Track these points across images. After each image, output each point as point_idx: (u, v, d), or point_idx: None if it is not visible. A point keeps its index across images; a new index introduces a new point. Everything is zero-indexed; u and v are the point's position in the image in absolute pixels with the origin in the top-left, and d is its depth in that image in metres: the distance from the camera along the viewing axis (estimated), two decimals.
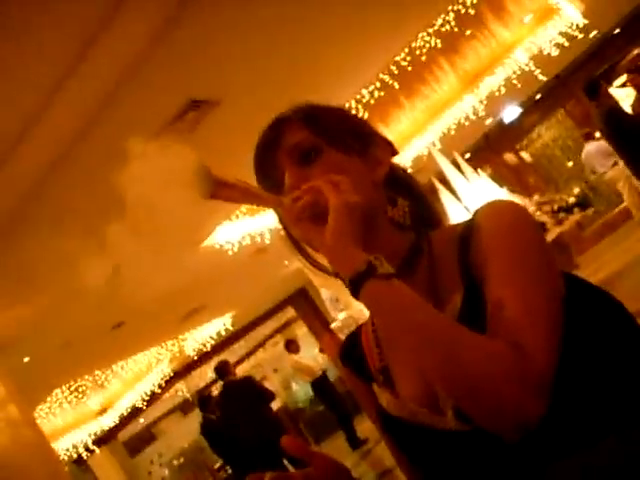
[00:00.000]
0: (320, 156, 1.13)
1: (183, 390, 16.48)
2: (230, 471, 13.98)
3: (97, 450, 14.03)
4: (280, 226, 1.24)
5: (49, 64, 3.89)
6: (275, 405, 9.88)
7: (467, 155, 12.70)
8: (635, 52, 11.73)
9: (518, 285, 0.95)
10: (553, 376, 0.88)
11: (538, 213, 8.68)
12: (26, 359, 7.76)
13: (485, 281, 0.99)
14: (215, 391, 9.26)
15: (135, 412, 14.68)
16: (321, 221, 1.03)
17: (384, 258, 1.05)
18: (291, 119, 1.17)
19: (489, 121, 12.28)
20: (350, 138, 1.17)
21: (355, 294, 0.96)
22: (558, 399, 0.88)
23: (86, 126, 4.60)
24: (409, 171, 1.30)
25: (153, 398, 14.38)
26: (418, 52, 7.68)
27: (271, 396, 8.25)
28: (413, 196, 1.26)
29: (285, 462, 7.99)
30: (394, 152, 1.25)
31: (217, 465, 15.56)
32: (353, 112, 1.33)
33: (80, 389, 11.19)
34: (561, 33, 9.39)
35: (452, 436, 1.02)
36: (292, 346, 11.49)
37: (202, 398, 9.34)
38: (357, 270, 0.96)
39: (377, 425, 1.26)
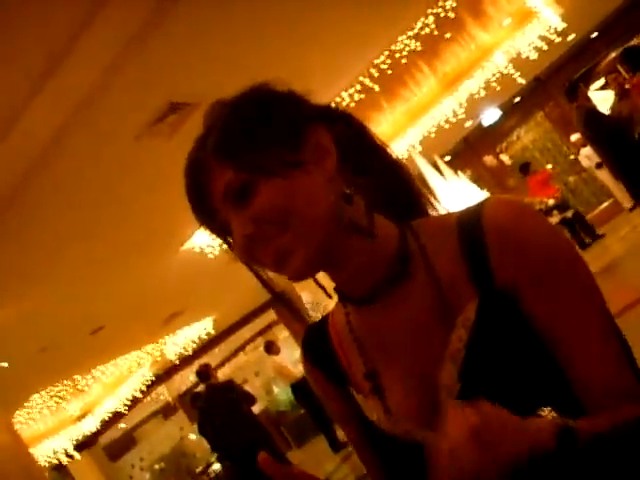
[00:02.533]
0: (256, 190, 0.98)
1: (164, 394, 16.39)
2: (212, 475, 13.95)
3: (77, 455, 13.92)
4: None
5: (26, 67, 3.86)
6: (257, 408, 9.86)
7: (447, 158, 12.75)
8: (613, 55, 11.83)
9: (606, 343, 0.96)
10: None
11: None
12: (4, 364, 7.68)
13: (550, 308, 0.96)
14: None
15: (116, 417, 14.57)
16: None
17: (365, 270, 1.04)
18: (210, 155, 1.02)
19: (469, 124, 12.34)
20: (281, 153, 1.00)
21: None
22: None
23: (64, 130, 4.56)
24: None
25: (134, 402, 14.29)
26: (398, 55, 7.70)
27: (252, 400, 8.23)
28: (383, 165, 1.13)
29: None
30: (339, 115, 1.11)
31: (199, 469, 15.51)
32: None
33: (60, 394, 11.10)
34: (540, 36, 9.45)
35: None
36: (272, 347, 11.46)
37: (193, 395, 9.34)
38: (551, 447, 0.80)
39: (345, 428, 1.20)
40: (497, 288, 0.97)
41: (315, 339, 1.21)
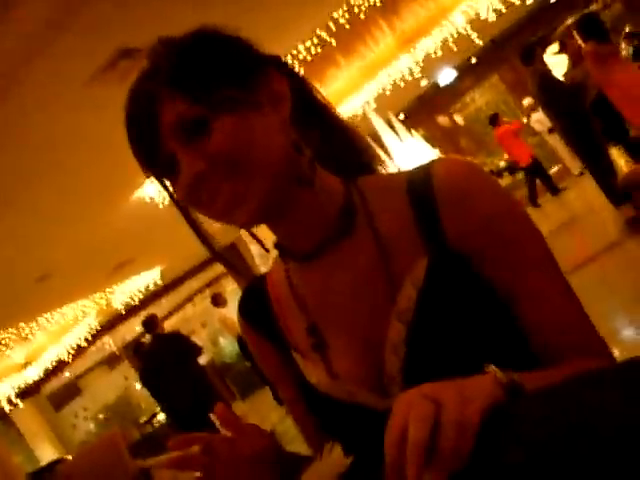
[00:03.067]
0: (208, 126, 0.94)
1: (110, 344, 16.32)
2: (157, 425, 14.01)
3: (20, 404, 13.83)
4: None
5: None
6: (203, 360, 9.88)
7: (401, 116, 12.76)
8: (570, 20, 11.87)
9: (555, 284, 0.97)
10: None
11: None
12: None
13: (497, 261, 0.96)
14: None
15: (60, 365, 14.49)
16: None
17: (309, 225, 1.02)
18: (161, 85, 0.96)
19: (424, 83, 12.35)
20: (236, 90, 0.96)
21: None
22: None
23: (13, 75, 4.44)
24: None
25: (79, 351, 14.21)
26: (357, 10, 7.63)
27: (198, 350, 8.24)
28: (329, 123, 1.09)
29: (212, 417, 8.03)
30: (285, 67, 1.06)
31: (143, 419, 15.55)
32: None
33: (3, 342, 10.97)
34: None
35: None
36: (219, 300, 11.47)
37: (136, 345, 9.31)
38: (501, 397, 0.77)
39: (282, 390, 1.18)
40: (448, 246, 0.97)
41: (252, 298, 1.19)
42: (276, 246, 1.10)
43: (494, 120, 12.36)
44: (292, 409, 1.18)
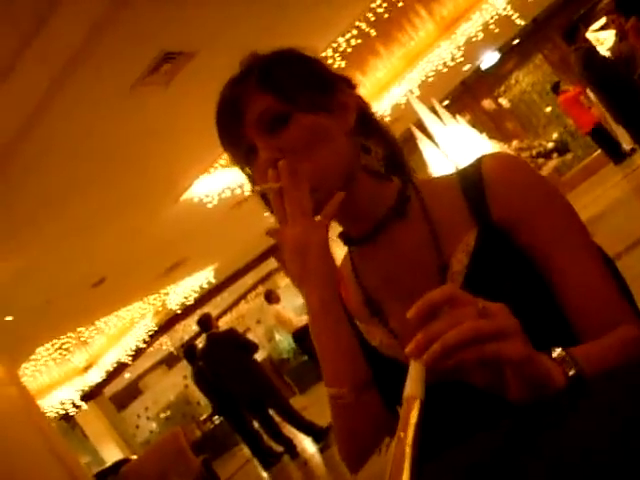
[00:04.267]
0: (288, 121, 1.09)
1: (167, 344, 16.54)
2: (217, 422, 14.16)
3: (84, 406, 14.12)
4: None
5: (17, 19, 3.80)
6: (259, 356, 9.95)
7: (445, 102, 12.65)
8: None
9: (587, 258, 1.06)
10: None
11: None
12: (8, 318, 7.75)
13: (539, 240, 1.07)
14: (199, 344, 9.29)
15: (120, 367, 14.75)
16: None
17: (370, 210, 1.16)
18: (250, 83, 1.12)
19: (467, 67, 12.22)
20: (316, 94, 1.13)
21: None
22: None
23: (59, 81, 4.52)
24: (387, 119, 1.27)
25: (138, 353, 14.44)
26: None
27: (254, 347, 8.29)
28: (384, 139, 1.24)
29: (270, 412, 8.09)
30: (354, 86, 1.22)
31: (203, 417, 15.73)
32: (330, 62, 1.26)
33: (64, 346, 11.21)
34: None
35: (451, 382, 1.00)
36: (272, 296, 11.51)
37: (188, 349, 9.36)
38: (563, 386, 0.83)
39: None
40: (493, 222, 1.09)
41: None
42: (340, 235, 1.23)
43: (556, 88, 12.11)
44: None
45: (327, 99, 1.14)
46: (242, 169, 1.19)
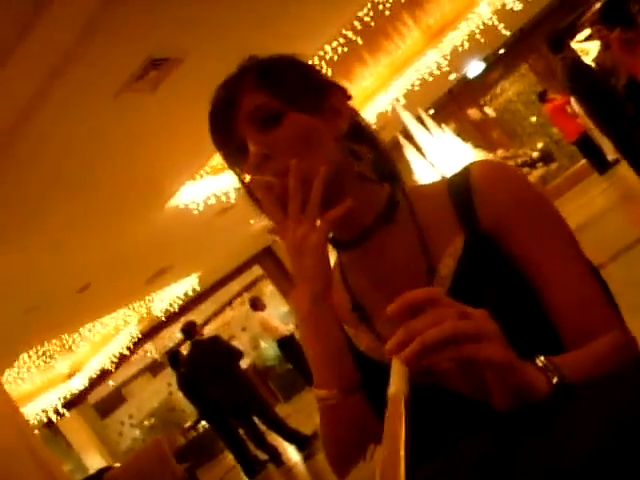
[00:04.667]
0: (282, 119, 1.11)
1: (152, 351, 16.48)
2: (201, 429, 14.11)
3: (67, 413, 14.03)
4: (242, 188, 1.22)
5: (1, 25, 3.79)
6: (244, 364, 9.94)
7: (431, 111, 12.70)
8: (598, 5, 11.73)
9: (574, 266, 1.07)
10: None
11: None
12: None
13: (525, 246, 1.07)
14: (184, 351, 9.27)
15: (104, 374, 14.67)
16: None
17: (359, 215, 1.15)
18: (246, 81, 1.13)
19: (453, 76, 12.28)
20: (310, 95, 1.15)
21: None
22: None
23: (43, 87, 4.50)
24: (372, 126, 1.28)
25: (122, 360, 14.37)
26: (381, 7, 7.61)
27: (239, 355, 8.28)
28: (375, 146, 1.25)
29: (255, 419, 8.07)
30: (349, 97, 1.23)
31: (188, 424, 15.67)
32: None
33: (48, 353, 11.13)
34: None
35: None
36: (257, 303, 11.50)
37: (172, 355, 9.33)
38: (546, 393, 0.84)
39: None
40: (480, 228, 1.10)
41: None
42: (329, 240, 1.21)
43: (542, 96, 12.17)
44: None
45: (321, 103, 1.15)
46: (232, 167, 1.19)
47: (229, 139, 1.14)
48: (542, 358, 0.85)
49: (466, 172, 1.15)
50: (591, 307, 1.04)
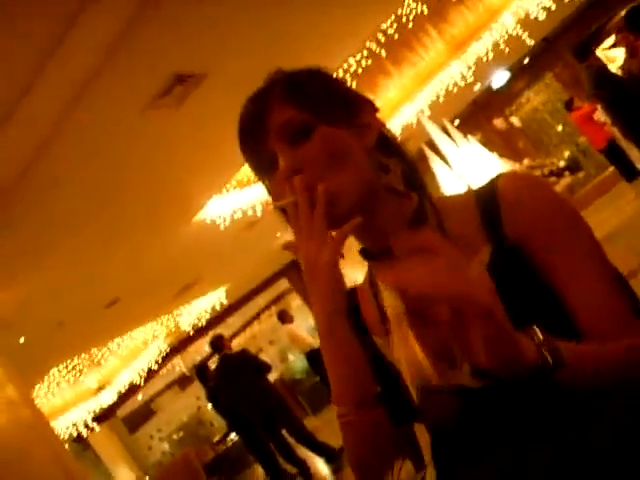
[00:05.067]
0: (311, 133, 1.10)
1: (180, 365, 16.53)
2: (230, 443, 14.11)
3: (97, 427, 14.10)
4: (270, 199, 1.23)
5: (28, 46, 3.84)
6: (272, 377, 9.93)
7: (456, 122, 12.66)
8: (623, 12, 11.64)
9: (598, 273, 1.06)
10: None
11: None
12: (22, 340, 7.77)
13: (551, 256, 1.06)
14: (212, 365, 9.28)
15: (133, 389, 14.74)
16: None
17: (389, 226, 1.15)
18: (275, 94, 1.13)
19: (477, 87, 12.23)
20: (339, 108, 1.15)
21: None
22: None
23: (70, 105, 4.55)
24: (398, 139, 1.29)
25: (150, 374, 14.43)
26: (404, 19, 7.62)
27: (267, 368, 8.28)
28: (403, 159, 1.25)
29: (284, 432, 8.05)
30: (376, 110, 1.23)
31: (217, 438, 15.68)
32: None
33: (77, 368, 11.22)
34: None
35: (462, 393, 1.02)
36: (285, 316, 11.50)
37: (199, 369, 9.35)
38: (529, 369, 0.88)
39: None
40: (507, 239, 1.09)
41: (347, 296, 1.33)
42: (360, 251, 1.23)
43: (569, 105, 12.06)
44: None
45: (350, 116, 1.15)
46: (262, 181, 1.20)
47: (259, 153, 1.14)
48: (539, 332, 0.89)
49: (493, 184, 1.14)
50: (613, 314, 1.04)
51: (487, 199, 1.13)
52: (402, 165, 1.23)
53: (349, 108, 1.17)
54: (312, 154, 1.09)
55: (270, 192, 1.19)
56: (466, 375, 1.02)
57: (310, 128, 1.10)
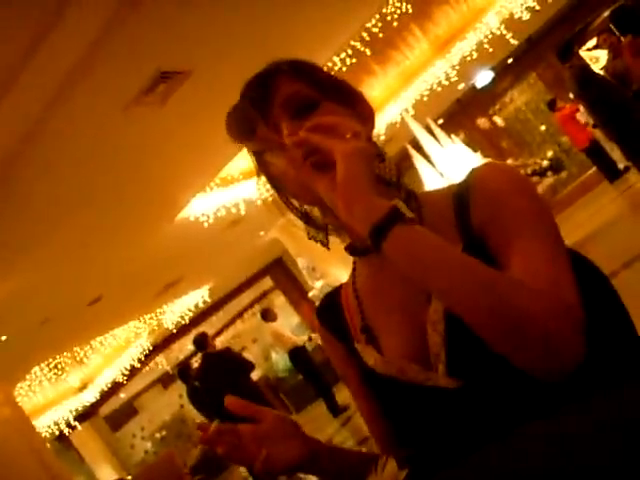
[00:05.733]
0: (316, 109, 1.10)
1: (163, 363, 16.48)
2: None
3: (79, 426, 14.03)
4: (260, 189, 1.23)
5: (11, 41, 3.81)
6: (255, 375, 9.92)
7: (440, 121, 12.69)
8: (606, 13, 11.71)
9: (542, 242, 0.98)
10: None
11: None
12: (3, 338, 7.71)
13: (499, 236, 1.01)
14: (195, 363, 9.26)
15: (115, 387, 14.68)
16: (325, 170, 1.00)
17: None
18: (282, 71, 1.13)
19: (461, 86, 12.28)
20: (343, 92, 1.17)
21: (378, 241, 0.92)
22: None
23: (54, 102, 4.53)
24: (382, 138, 1.28)
25: (133, 372, 14.38)
26: (389, 18, 7.63)
27: (251, 366, 8.27)
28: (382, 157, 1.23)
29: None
30: (373, 119, 1.23)
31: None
32: None
33: (59, 366, 11.16)
34: None
35: (440, 393, 1.03)
36: (269, 314, 11.47)
37: (182, 369, 9.32)
38: (381, 216, 0.92)
39: (350, 385, 1.28)
40: (474, 233, 1.05)
41: (327, 303, 1.32)
42: (346, 248, 1.21)
43: (552, 105, 12.13)
44: (358, 403, 1.29)
45: (353, 103, 1.18)
46: (254, 154, 1.18)
47: (260, 123, 1.10)
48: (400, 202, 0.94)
49: (468, 176, 1.12)
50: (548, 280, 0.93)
51: (461, 193, 1.11)
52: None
53: (352, 96, 1.19)
54: (315, 124, 1.06)
55: (260, 168, 1.18)
56: (442, 376, 1.02)
57: (316, 103, 1.11)
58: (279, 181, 1.16)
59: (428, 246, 0.91)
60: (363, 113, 1.19)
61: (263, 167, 1.18)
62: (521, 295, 0.86)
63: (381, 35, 7.80)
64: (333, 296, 1.32)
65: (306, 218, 1.19)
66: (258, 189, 1.23)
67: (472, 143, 12.33)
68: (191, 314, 13.83)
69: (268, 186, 1.21)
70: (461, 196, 1.10)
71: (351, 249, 1.21)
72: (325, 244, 1.20)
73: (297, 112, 1.10)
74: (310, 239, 1.20)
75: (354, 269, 1.27)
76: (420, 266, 0.91)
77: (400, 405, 1.12)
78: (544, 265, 0.94)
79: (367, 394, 1.21)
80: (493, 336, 0.87)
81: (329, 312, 1.30)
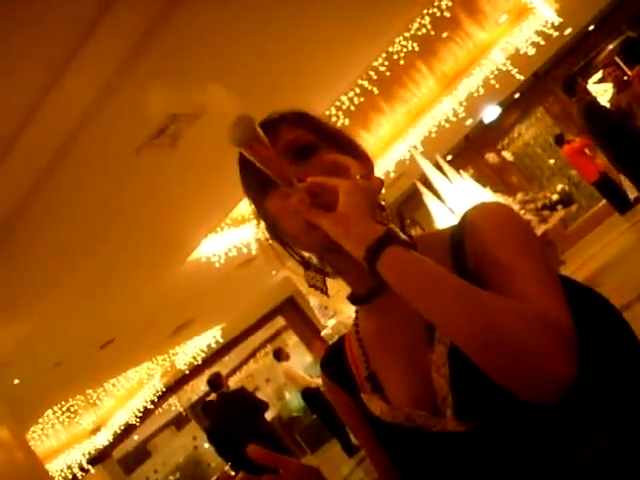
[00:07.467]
0: (316, 153, 1.12)
1: (176, 404, 16.40)
2: None
3: (92, 469, 13.93)
4: (264, 231, 1.21)
5: (25, 85, 3.87)
6: (269, 415, 9.86)
7: (449, 157, 12.75)
8: (610, 47, 11.82)
9: (530, 268, 0.98)
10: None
11: (522, 212, 8.71)
12: (16, 381, 7.71)
13: (490, 268, 1.01)
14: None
15: (129, 429, 14.60)
16: (331, 209, 1.00)
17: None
18: (283, 119, 1.16)
19: (469, 122, 12.34)
20: (344, 142, 1.19)
21: (373, 263, 0.93)
22: None
23: (65, 144, 4.57)
24: (392, 175, 1.29)
25: (146, 414, 14.31)
26: (396, 57, 7.71)
27: (265, 406, 8.24)
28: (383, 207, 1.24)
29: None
30: (373, 166, 1.24)
31: (213, 479, 15.50)
32: (333, 119, 1.29)
33: (72, 409, 11.12)
34: (536, 32, 9.46)
35: (450, 438, 1.02)
36: (281, 354, 11.44)
37: (205, 404, 9.32)
38: (376, 237, 0.94)
39: (358, 435, 1.27)
40: (471, 274, 1.03)
41: (332, 354, 1.31)
42: (348, 297, 1.21)
43: (560, 140, 12.15)
44: (368, 452, 1.27)
45: (350, 149, 1.18)
46: (254, 201, 1.19)
47: (259, 173, 1.07)
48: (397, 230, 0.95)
49: (462, 218, 1.12)
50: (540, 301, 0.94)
51: (457, 233, 1.11)
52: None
53: (352, 146, 1.20)
54: (317, 166, 1.10)
55: (259, 214, 1.19)
56: (451, 420, 1.02)
57: (315, 148, 1.13)
58: (278, 227, 1.15)
59: (420, 267, 0.92)
60: (363, 164, 1.17)
61: (262, 213, 1.18)
62: (506, 310, 0.87)
63: (388, 73, 7.87)
64: (337, 347, 1.32)
65: (306, 264, 1.19)
66: (257, 238, 1.23)
67: (481, 178, 12.35)
68: (204, 355, 13.78)
69: (267, 234, 1.20)
70: (456, 237, 1.11)
71: (353, 298, 1.21)
72: (324, 291, 1.19)
73: (297, 156, 1.12)
74: (311, 287, 1.19)
75: (356, 318, 1.27)
76: (413, 286, 0.92)
77: (410, 452, 1.11)
78: (532, 286, 0.95)
79: (375, 443, 1.20)
80: (486, 358, 0.87)
81: (334, 363, 1.29)
